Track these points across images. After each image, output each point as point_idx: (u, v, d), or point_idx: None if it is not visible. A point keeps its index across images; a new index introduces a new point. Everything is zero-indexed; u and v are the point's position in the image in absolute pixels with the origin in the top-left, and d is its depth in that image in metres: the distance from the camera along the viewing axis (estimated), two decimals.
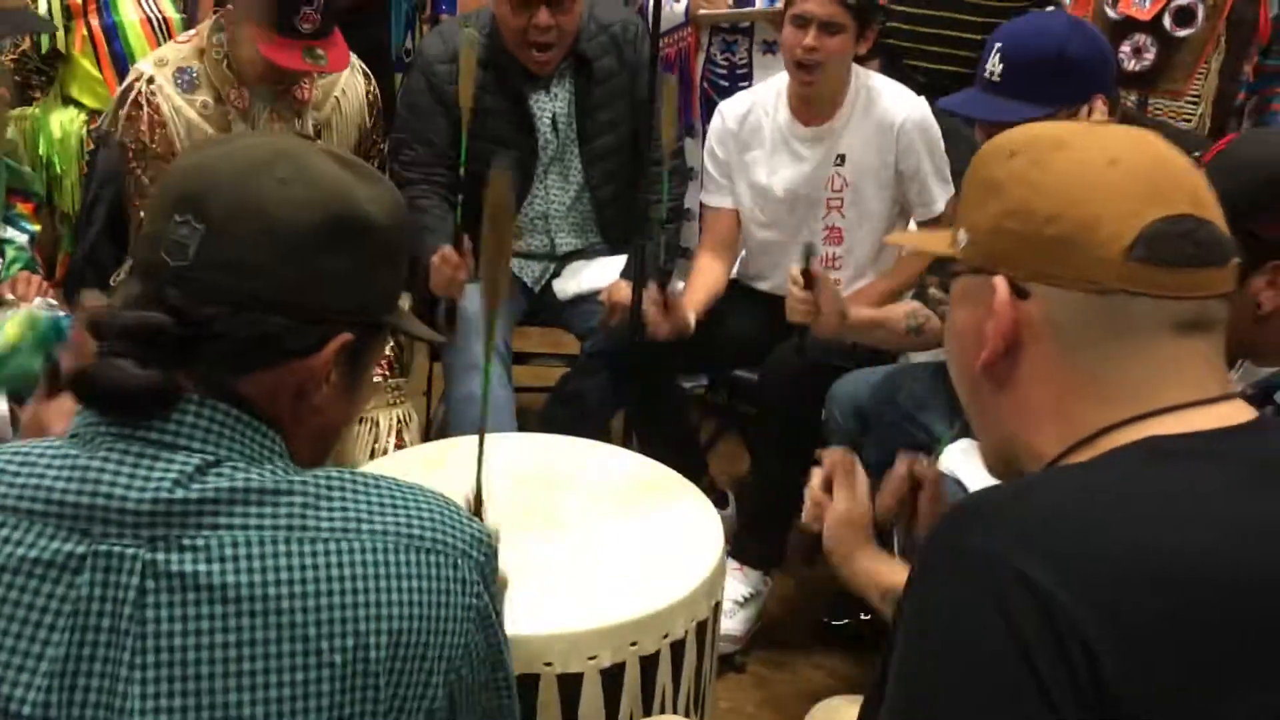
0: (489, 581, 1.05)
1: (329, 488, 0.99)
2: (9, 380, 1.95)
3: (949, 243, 1.03)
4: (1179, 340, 0.92)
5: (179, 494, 0.94)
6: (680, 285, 2.80)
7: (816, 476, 1.53)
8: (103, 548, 0.93)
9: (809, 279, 2.28)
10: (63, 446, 0.97)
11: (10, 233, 2.33)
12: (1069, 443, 0.94)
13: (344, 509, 0.98)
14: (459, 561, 1.01)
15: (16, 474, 0.95)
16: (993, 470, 1.07)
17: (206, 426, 0.96)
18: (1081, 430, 0.93)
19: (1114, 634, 0.78)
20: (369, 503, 1.00)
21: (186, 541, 0.93)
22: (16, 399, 2.00)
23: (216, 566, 0.93)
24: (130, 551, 0.93)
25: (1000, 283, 0.95)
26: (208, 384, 0.97)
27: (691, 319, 2.57)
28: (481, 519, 1.41)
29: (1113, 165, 0.93)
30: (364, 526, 0.98)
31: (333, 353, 1.01)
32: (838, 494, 1.52)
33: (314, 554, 0.95)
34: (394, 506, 1.01)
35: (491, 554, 1.06)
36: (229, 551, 0.93)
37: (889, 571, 1.43)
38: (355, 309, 1.03)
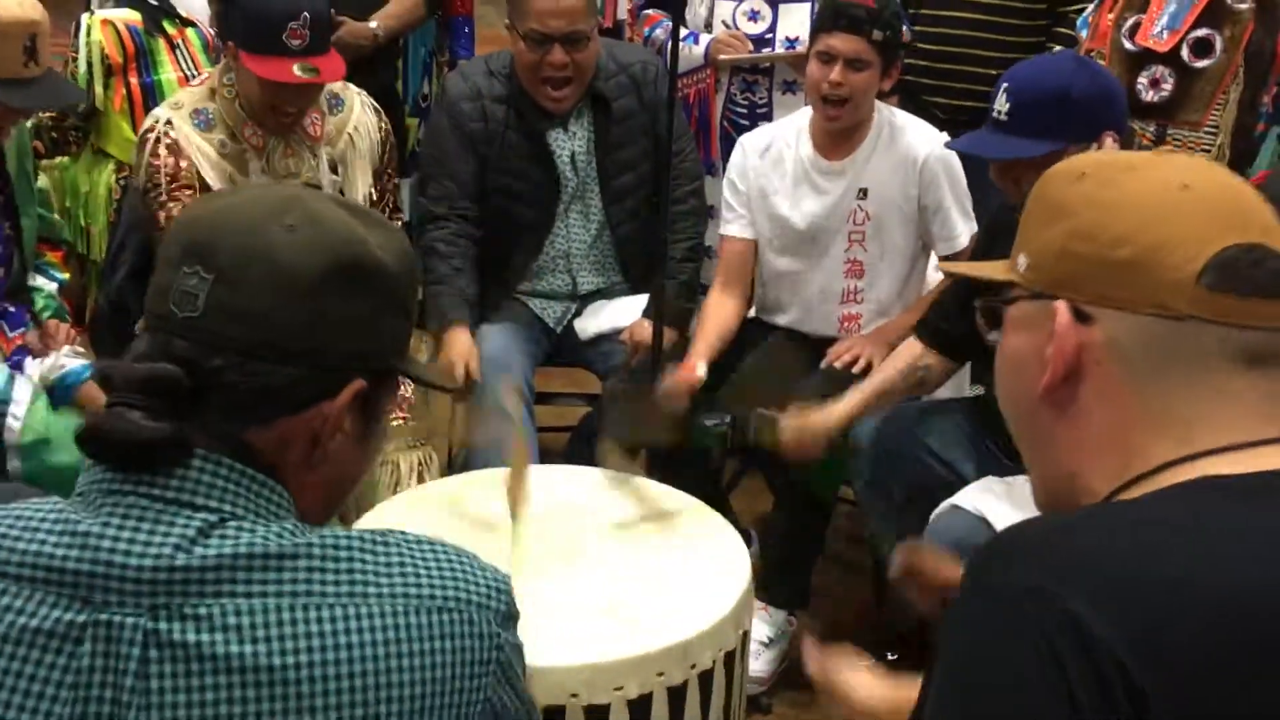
0: (509, 628, 1.02)
1: (336, 549, 0.96)
2: (42, 477, 1.92)
3: (1007, 269, 1.01)
4: (1246, 373, 0.90)
5: (180, 560, 0.91)
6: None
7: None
8: (103, 616, 0.90)
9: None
10: (65, 510, 0.94)
11: (40, 281, 2.35)
12: (1124, 478, 0.91)
13: (350, 572, 0.95)
14: (474, 615, 0.98)
15: (17, 539, 0.93)
16: (1044, 507, 1.04)
17: (210, 482, 0.94)
18: (1139, 465, 0.90)
19: (1162, 673, 0.76)
20: (377, 564, 0.96)
21: (189, 610, 0.90)
22: None
23: (220, 636, 0.90)
24: (131, 620, 0.90)
25: (1062, 306, 0.93)
26: (216, 435, 0.95)
27: (702, 371, 2.59)
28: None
29: (1186, 190, 0.92)
30: (371, 590, 0.95)
31: (347, 400, 0.98)
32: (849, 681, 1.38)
33: (319, 620, 0.92)
34: (402, 565, 0.97)
35: (511, 600, 1.02)
36: (233, 620, 0.90)
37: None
38: (367, 355, 1.01)
